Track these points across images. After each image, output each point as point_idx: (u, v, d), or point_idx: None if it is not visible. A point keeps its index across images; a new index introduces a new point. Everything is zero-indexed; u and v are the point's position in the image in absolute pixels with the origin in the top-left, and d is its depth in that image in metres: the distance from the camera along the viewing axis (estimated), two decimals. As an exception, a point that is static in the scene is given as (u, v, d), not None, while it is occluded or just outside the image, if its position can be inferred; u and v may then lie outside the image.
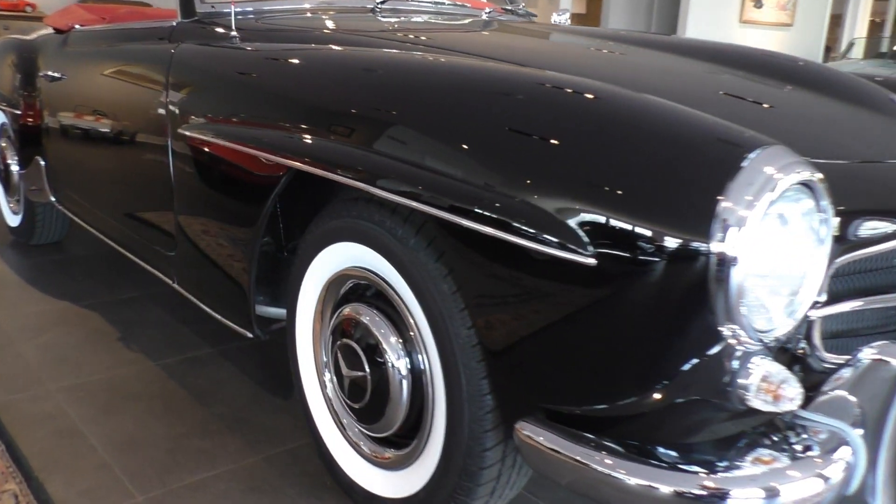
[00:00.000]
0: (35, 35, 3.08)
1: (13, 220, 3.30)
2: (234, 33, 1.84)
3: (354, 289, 1.47)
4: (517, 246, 1.04)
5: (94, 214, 2.50)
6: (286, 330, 1.64)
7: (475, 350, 1.18)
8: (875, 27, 13.85)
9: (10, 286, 2.79)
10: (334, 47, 1.65)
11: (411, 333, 1.31)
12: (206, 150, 1.70)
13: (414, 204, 1.15)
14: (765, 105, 1.54)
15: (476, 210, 1.08)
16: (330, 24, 2.06)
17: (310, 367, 1.59)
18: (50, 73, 2.70)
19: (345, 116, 1.35)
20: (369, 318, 1.37)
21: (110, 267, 3.00)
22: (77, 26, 2.75)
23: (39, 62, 2.83)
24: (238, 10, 2.09)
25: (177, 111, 1.83)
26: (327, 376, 1.54)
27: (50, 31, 2.99)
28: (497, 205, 1.06)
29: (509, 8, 2.66)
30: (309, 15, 2.14)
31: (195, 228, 1.85)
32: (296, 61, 1.60)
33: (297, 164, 1.37)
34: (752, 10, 11.29)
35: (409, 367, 1.32)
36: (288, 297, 1.60)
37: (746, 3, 11.17)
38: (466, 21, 2.34)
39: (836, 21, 12.89)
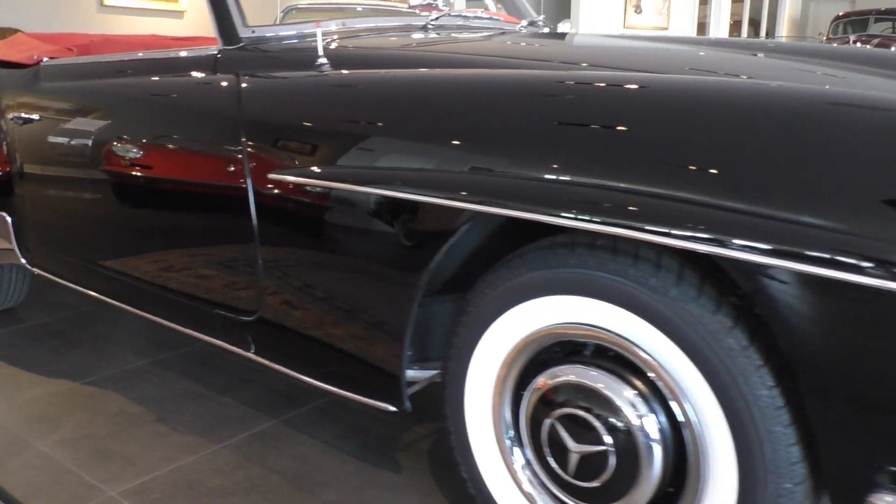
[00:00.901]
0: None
1: None
2: (322, 60, 1.59)
3: (554, 349, 1.27)
4: (848, 284, 0.90)
5: (103, 277, 2.12)
6: (447, 403, 1.41)
7: (780, 413, 1.03)
8: (735, 26, 14.82)
9: (-19, 369, 2.34)
10: (478, 70, 1.44)
11: (669, 397, 1.14)
12: (329, 197, 1.44)
13: (717, 250, 0.98)
14: None
15: (801, 251, 0.92)
16: (422, 45, 1.86)
17: (488, 444, 1.37)
18: (22, 114, 2.29)
19: (549, 148, 1.15)
20: (603, 382, 1.18)
21: (90, 334, 2.59)
22: (45, 59, 2.34)
23: (1, 102, 2.39)
24: (283, 33, 1.85)
25: (262, 154, 1.56)
26: (518, 455, 1.33)
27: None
28: (823, 239, 0.91)
29: (536, 21, 2.53)
30: (366, 36, 1.91)
31: (295, 288, 1.58)
32: (444, 86, 1.38)
33: (503, 211, 1.15)
34: (634, 15, 11.86)
35: (663, 431, 1.15)
36: (451, 363, 1.38)
37: (628, 10, 11.72)
38: (545, 36, 2.19)
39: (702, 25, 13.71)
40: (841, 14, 13.88)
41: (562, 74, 1.32)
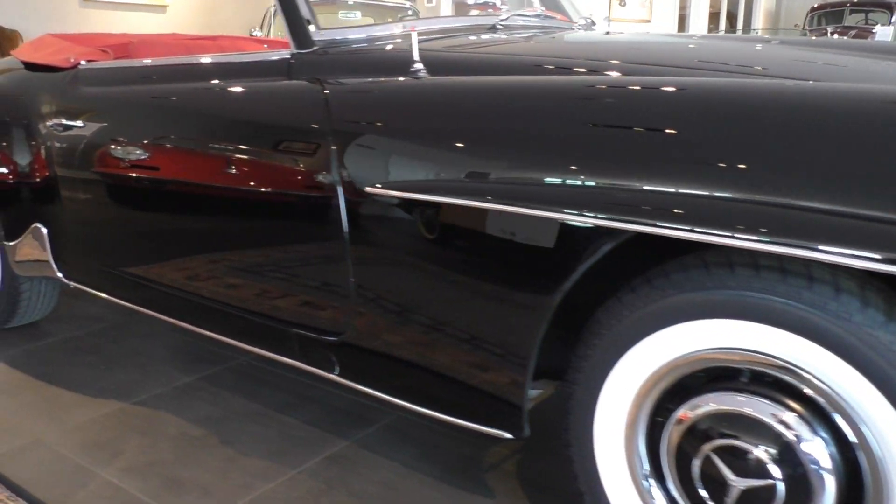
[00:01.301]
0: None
1: None
2: (418, 64, 1.50)
3: (699, 375, 1.20)
4: None
5: (155, 292, 2.01)
6: (571, 430, 1.34)
7: None
8: (713, 17, 14.91)
9: (23, 389, 2.20)
10: (592, 75, 1.36)
11: (840, 423, 1.08)
12: (440, 213, 1.36)
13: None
14: None
15: None
16: (510, 47, 1.79)
17: (621, 476, 1.30)
18: (63, 121, 2.14)
19: (714, 161, 1.08)
20: (766, 411, 1.11)
21: (127, 349, 2.46)
22: (83, 62, 2.22)
23: (39, 107, 2.23)
24: (353, 35, 1.76)
25: (356, 165, 1.47)
26: (657, 488, 1.26)
27: (18, 67, 2.40)
28: None
29: (587, 19, 2.46)
30: (440, 37, 1.82)
31: (393, 310, 1.49)
32: (569, 93, 1.29)
33: (678, 234, 1.07)
34: (618, 8, 11.87)
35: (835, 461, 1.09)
36: (579, 387, 1.30)
37: (613, 3, 11.73)
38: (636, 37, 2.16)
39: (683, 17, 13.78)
40: (816, 6, 14.02)
41: (685, 81, 1.26)
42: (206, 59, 1.92)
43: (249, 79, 1.75)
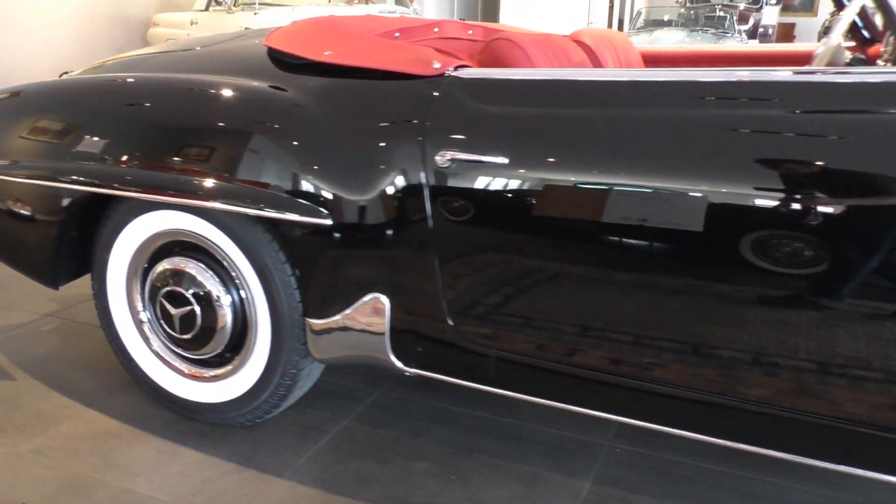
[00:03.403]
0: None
1: (215, 394, 1.93)
2: None
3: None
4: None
5: (586, 385, 1.56)
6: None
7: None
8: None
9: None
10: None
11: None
12: None
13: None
14: None
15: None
16: None
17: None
18: (459, 155, 1.53)
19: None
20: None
21: (424, 450, 1.88)
22: (449, 70, 1.63)
23: (399, 130, 1.61)
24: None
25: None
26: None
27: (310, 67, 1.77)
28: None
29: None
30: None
31: None
32: None
33: None
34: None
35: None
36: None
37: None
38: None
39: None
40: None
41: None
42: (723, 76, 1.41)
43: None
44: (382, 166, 1.61)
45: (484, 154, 1.53)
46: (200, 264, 1.84)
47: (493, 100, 1.57)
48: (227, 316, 1.83)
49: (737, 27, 10.69)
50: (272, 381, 1.85)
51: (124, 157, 1.81)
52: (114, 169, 1.81)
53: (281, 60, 1.83)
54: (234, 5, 6.35)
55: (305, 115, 1.68)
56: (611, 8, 15.50)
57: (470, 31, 2.52)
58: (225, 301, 1.83)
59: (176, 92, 1.84)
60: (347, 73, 1.72)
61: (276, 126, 1.69)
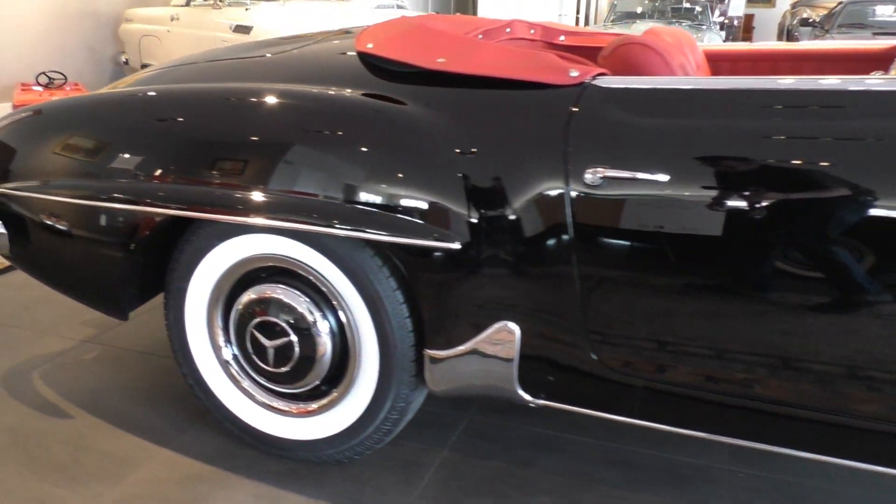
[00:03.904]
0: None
1: (311, 430, 1.79)
2: None
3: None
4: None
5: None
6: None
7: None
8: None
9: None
10: None
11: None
12: None
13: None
14: None
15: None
16: None
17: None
18: (608, 172, 1.41)
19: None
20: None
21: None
22: (588, 79, 1.50)
23: (540, 145, 1.47)
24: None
25: None
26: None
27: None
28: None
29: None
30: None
31: None
32: None
33: None
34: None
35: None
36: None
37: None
38: None
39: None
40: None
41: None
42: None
43: None
44: (518, 184, 1.48)
45: (639, 170, 1.40)
46: (294, 291, 1.69)
47: (647, 111, 1.45)
48: (326, 345, 1.69)
49: (711, 19, 10.73)
50: (378, 415, 1.71)
51: (218, 178, 1.64)
52: (207, 191, 1.64)
53: (384, 68, 1.69)
54: (221, 0, 6.05)
55: (431, 131, 1.54)
56: (578, 1, 15.55)
57: (532, 31, 2.40)
58: (323, 329, 1.68)
59: (275, 104, 1.67)
60: (467, 83, 1.59)
61: (399, 143, 1.55)
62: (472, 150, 1.51)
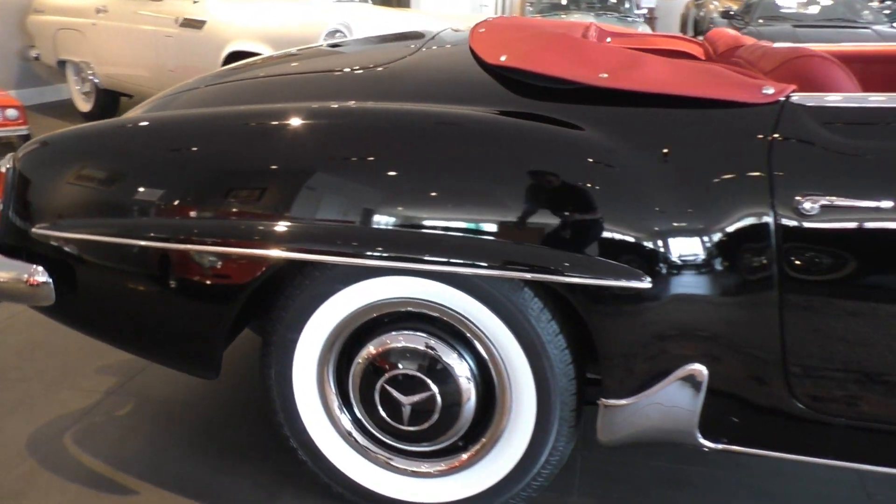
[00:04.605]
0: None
1: (444, 492, 1.60)
2: None
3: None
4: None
5: None
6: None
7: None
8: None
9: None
10: None
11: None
12: None
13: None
14: None
15: None
16: None
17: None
18: (818, 198, 1.28)
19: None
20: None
21: None
22: (783, 97, 1.36)
23: (747, 172, 1.32)
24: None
25: None
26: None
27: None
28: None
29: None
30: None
31: None
32: None
33: None
34: None
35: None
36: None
37: None
38: None
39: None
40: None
41: None
42: None
43: None
44: (713, 214, 1.33)
45: (860, 197, 1.28)
46: (429, 338, 1.48)
47: (858, 132, 1.33)
48: (470, 396, 1.49)
49: (636, 11, 10.90)
50: (529, 471, 1.53)
51: (345, 214, 1.40)
52: (343, 230, 1.40)
53: (531, 85, 1.49)
54: (160, -10, 5.50)
55: (617, 159, 1.36)
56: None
57: (608, 39, 2.26)
58: (463, 378, 1.48)
59: (416, 129, 1.45)
60: (637, 101, 1.42)
61: (582, 172, 1.36)
62: (661, 177, 1.34)
